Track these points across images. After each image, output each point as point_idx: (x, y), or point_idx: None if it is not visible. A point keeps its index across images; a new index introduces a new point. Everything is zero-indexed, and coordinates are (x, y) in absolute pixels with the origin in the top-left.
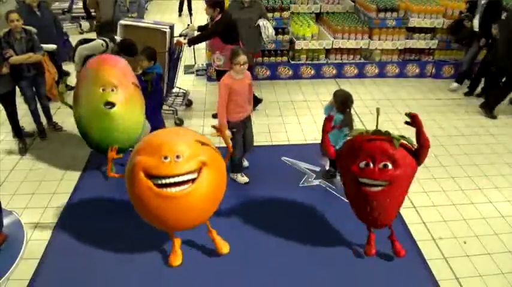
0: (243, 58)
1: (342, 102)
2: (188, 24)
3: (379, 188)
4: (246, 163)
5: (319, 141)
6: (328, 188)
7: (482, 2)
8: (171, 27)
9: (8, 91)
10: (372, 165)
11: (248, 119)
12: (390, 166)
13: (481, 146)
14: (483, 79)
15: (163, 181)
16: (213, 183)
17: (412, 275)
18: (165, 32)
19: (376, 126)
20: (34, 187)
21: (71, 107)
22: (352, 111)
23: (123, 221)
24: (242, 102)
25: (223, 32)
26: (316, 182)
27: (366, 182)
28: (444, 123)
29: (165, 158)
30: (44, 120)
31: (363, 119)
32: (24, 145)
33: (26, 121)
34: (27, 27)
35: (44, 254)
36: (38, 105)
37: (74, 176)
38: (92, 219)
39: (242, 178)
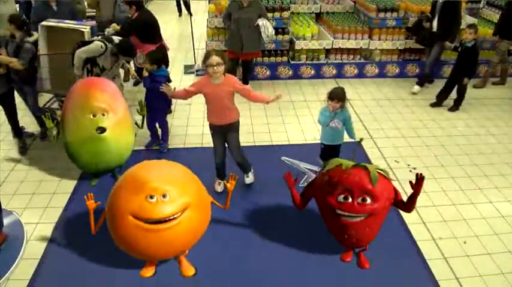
0: (214, 59)
1: (344, 97)
2: (112, 23)
3: (358, 219)
4: (249, 179)
5: (319, 142)
6: None
7: (440, 1)
8: (92, 28)
9: (5, 91)
10: (350, 199)
11: (229, 126)
12: (369, 200)
13: (481, 146)
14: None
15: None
16: (194, 222)
17: (412, 275)
18: (83, 32)
19: (353, 159)
20: (34, 187)
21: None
22: (352, 111)
23: None
24: (217, 110)
25: (138, 31)
26: None
27: (345, 214)
28: (444, 123)
29: (151, 197)
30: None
31: (363, 119)
32: (24, 144)
33: (26, 121)
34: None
35: (44, 254)
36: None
37: (73, 176)
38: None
39: (217, 186)
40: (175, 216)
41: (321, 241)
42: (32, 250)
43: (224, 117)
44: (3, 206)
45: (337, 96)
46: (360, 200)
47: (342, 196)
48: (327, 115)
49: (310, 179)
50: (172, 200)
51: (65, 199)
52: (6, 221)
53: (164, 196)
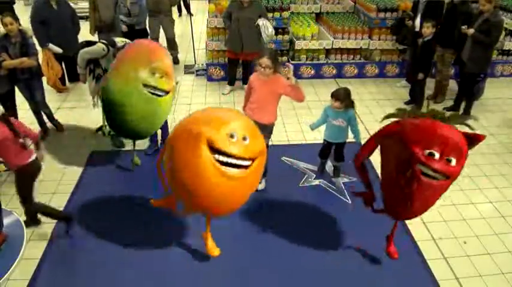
0: (263, 61)
1: (344, 97)
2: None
3: (436, 181)
4: (261, 185)
5: (319, 142)
6: (328, 188)
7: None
8: None
9: (6, 91)
10: (437, 156)
11: (261, 127)
12: (454, 162)
13: (481, 146)
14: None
15: (225, 159)
16: (258, 173)
17: (412, 275)
18: None
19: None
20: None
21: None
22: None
23: (123, 220)
24: (256, 104)
25: None
26: (316, 182)
27: (425, 171)
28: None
29: (232, 136)
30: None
31: (363, 119)
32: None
33: (27, 121)
34: (24, 29)
35: (44, 254)
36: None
37: (74, 176)
38: (92, 219)
39: None
40: (249, 163)
41: (321, 241)
42: (32, 250)
43: (258, 115)
44: (3, 206)
45: (336, 95)
46: (446, 159)
47: (429, 151)
48: (322, 117)
49: (310, 179)
50: (252, 146)
51: (65, 199)
52: (6, 221)
53: (244, 138)
